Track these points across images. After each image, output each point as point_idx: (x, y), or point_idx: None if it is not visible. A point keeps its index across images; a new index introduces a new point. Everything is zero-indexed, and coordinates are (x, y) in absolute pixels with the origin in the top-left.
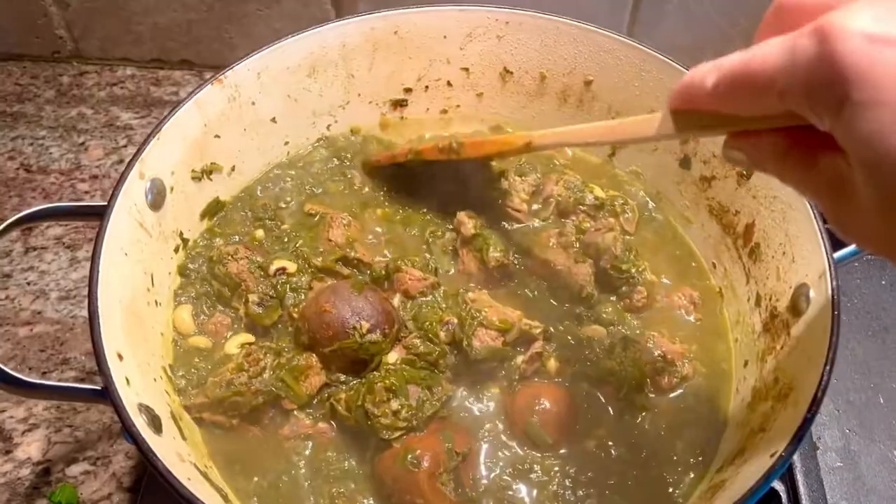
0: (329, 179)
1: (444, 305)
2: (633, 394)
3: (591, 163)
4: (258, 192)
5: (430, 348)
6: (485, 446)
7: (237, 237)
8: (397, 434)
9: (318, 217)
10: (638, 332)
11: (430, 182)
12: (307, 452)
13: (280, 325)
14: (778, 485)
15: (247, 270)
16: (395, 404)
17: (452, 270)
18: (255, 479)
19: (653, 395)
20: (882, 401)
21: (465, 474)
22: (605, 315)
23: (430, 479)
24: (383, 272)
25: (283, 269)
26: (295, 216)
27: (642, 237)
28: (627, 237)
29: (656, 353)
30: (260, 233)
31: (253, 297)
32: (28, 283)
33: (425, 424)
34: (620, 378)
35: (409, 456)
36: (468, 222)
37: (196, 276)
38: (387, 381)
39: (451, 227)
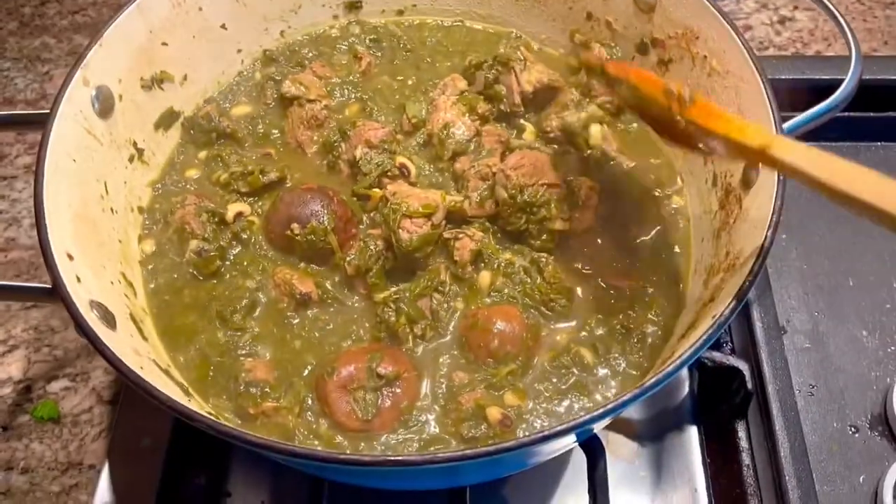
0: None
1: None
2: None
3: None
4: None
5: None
6: (428, 380)
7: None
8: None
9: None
10: None
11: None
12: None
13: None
14: (741, 364)
15: (192, 214)
16: (417, 329)
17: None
18: None
19: None
20: (851, 283)
21: (396, 399)
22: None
23: (337, 390)
24: (335, 136)
25: (241, 213)
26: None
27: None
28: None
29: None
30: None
31: (194, 244)
32: (0, 212)
33: (451, 325)
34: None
35: (330, 366)
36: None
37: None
38: (401, 321)
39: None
